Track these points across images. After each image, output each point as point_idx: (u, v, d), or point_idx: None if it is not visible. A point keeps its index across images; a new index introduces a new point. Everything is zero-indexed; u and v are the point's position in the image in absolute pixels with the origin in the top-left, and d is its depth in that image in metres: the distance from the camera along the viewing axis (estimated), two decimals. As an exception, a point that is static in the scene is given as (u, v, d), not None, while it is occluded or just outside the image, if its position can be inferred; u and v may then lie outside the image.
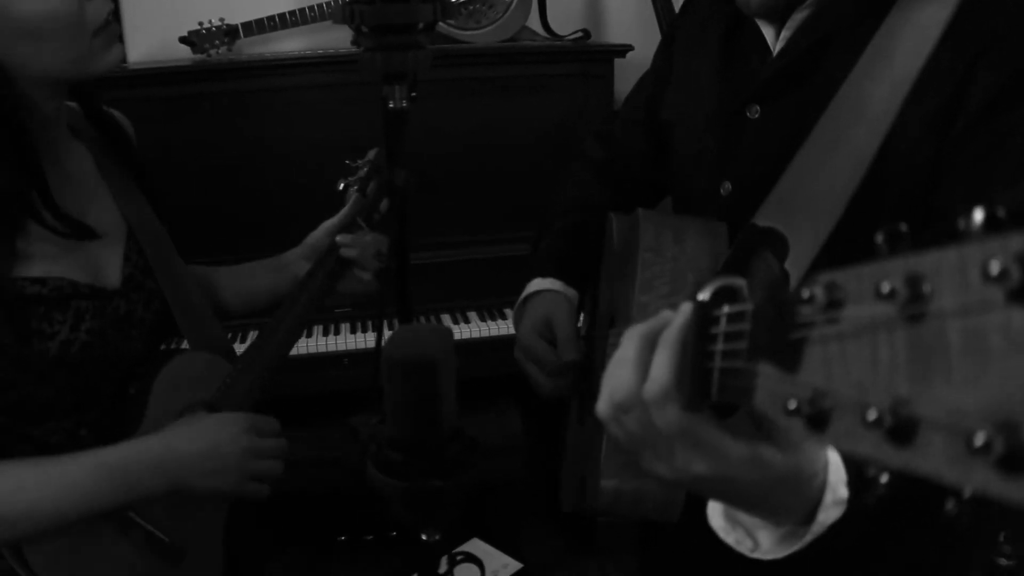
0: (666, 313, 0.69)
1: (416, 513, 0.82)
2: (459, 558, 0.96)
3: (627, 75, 2.83)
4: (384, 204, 1.45)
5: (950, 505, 0.39)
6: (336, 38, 2.79)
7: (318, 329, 2.50)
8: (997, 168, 0.87)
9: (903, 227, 0.40)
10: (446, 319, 2.57)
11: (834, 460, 0.70)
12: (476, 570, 1.03)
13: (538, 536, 2.75)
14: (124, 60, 2.60)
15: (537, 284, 1.39)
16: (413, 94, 0.88)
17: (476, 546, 2.09)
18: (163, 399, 1.21)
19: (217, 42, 2.54)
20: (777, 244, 0.95)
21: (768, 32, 1.10)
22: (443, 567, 0.93)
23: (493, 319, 2.57)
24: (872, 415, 0.39)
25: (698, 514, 0.87)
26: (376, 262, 1.42)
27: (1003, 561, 1.77)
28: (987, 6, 0.90)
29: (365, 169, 1.45)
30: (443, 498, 0.79)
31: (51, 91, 1.12)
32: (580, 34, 2.83)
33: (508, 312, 2.60)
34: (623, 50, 2.69)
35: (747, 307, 0.53)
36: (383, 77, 0.84)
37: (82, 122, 1.26)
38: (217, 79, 2.49)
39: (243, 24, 2.56)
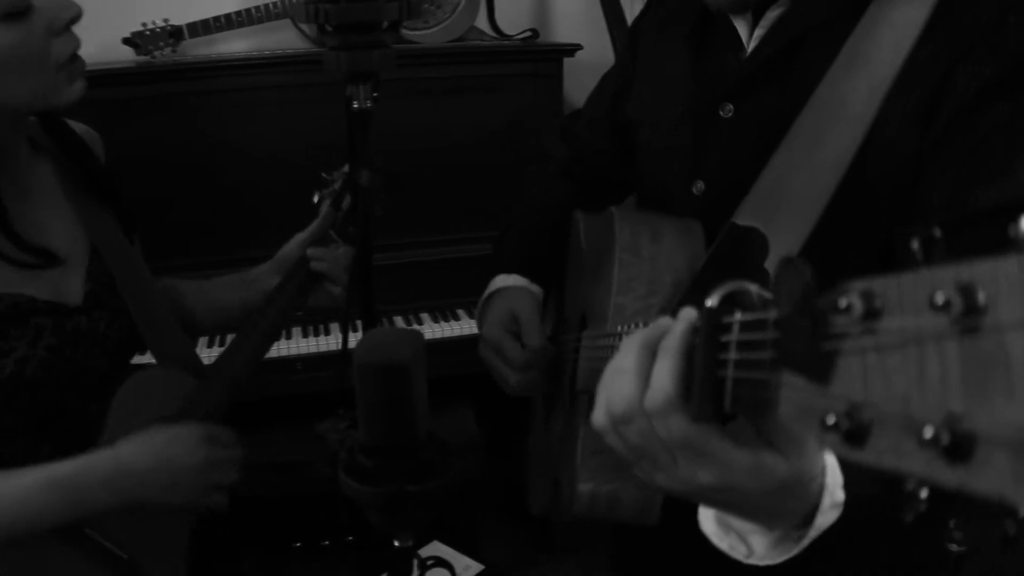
0: (664, 320, 0.68)
1: (390, 519, 0.80)
2: (429, 563, 0.94)
3: (576, 74, 2.84)
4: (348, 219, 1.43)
5: (1011, 528, 0.38)
6: (283, 38, 2.76)
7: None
8: (981, 165, 0.86)
9: (937, 232, 0.39)
10: (398, 320, 2.55)
11: (831, 463, 0.70)
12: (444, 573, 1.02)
13: (497, 536, 2.74)
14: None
15: (501, 281, 1.37)
16: (375, 94, 0.87)
17: (437, 548, 2.06)
18: (122, 416, 1.18)
19: (161, 43, 2.49)
20: (757, 243, 0.94)
21: (742, 28, 1.08)
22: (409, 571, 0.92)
23: (446, 320, 2.56)
24: (928, 432, 0.37)
25: (674, 517, 0.87)
26: (346, 276, 1.40)
27: (953, 547, 1.79)
28: (965, 6, 0.89)
29: (339, 182, 1.44)
30: (418, 503, 0.78)
31: (11, 121, 1.11)
32: (528, 34, 2.83)
33: (461, 313, 2.59)
34: (572, 49, 2.70)
35: (768, 315, 0.51)
36: (347, 77, 0.83)
37: (44, 136, 1.24)
38: (162, 81, 2.44)
39: (188, 25, 2.51)
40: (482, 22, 2.82)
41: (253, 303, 1.43)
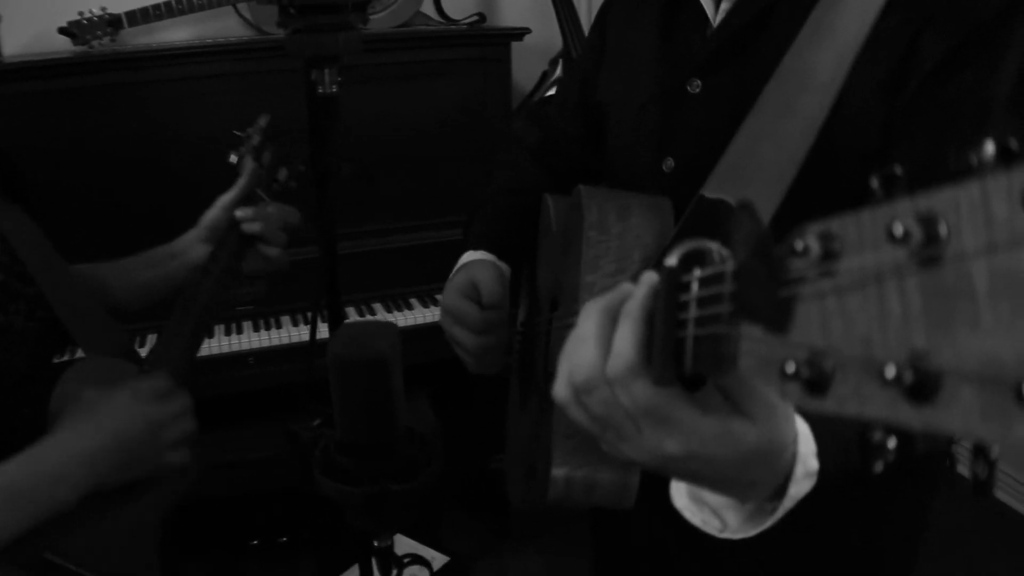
0: (625, 286, 0.66)
1: (372, 520, 0.78)
2: (406, 560, 0.92)
3: (524, 58, 2.82)
4: (283, 173, 1.37)
5: (981, 471, 0.37)
6: (224, 26, 2.70)
7: (219, 329, 2.42)
8: (951, 132, 0.86)
9: (898, 169, 0.37)
10: (350, 311, 2.51)
11: (803, 431, 0.69)
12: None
13: (457, 527, 2.73)
14: (-2, 53, 2.46)
15: (468, 257, 1.34)
16: (339, 79, 0.84)
17: (400, 542, 2.04)
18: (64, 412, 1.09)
19: (99, 32, 2.41)
20: (726, 215, 0.93)
21: (708, 5, 1.08)
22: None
23: (399, 309, 2.53)
24: (891, 372, 0.35)
25: (649, 497, 0.86)
26: (283, 235, 1.32)
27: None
28: None
29: (257, 137, 1.38)
30: (401, 503, 0.75)
31: None
32: (475, 18, 2.80)
33: (414, 302, 2.57)
34: (520, 33, 2.67)
35: (725, 267, 0.50)
36: (310, 61, 0.80)
37: None
38: (101, 71, 2.37)
39: (127, 13, 2.44)
40: (428, 7, 2.79)
41: (179, 276, 1.35)
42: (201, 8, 2.51)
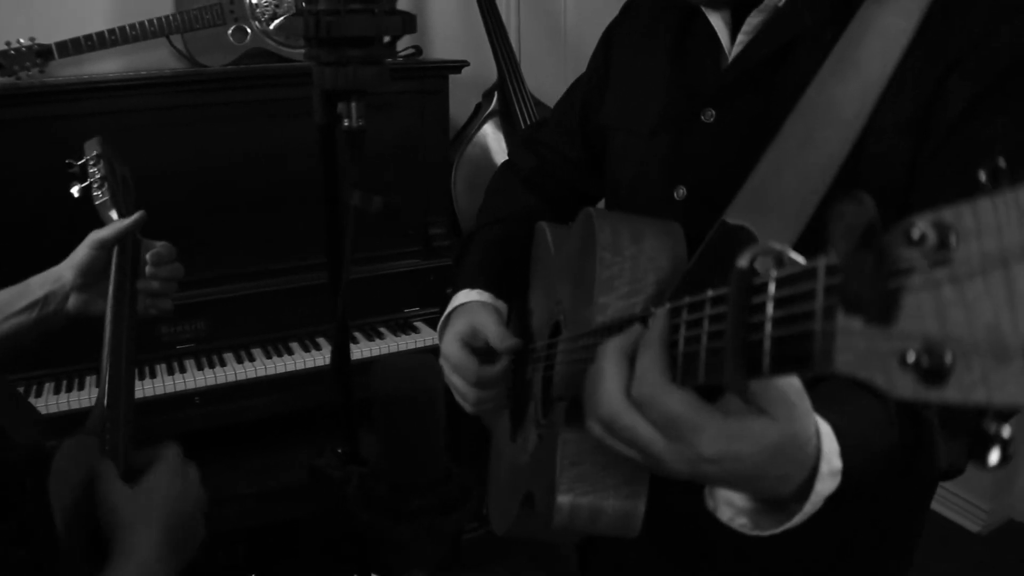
0: (635, 328, 0.72)
1: (415, 554, 0.77)
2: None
3: (457, 91, 2.83)
4: (131, 196, 1.32)
5: (991, 426, 0.40)
6: (156, 58, 2.65)
7: (161, 368, 2.35)
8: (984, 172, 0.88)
9: (1002, 163, 0.39)
10: (295, 347, 2.47)
11: (825, 431, 0.73)
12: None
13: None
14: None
15: (464, 296, 1.32)
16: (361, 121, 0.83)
17: None
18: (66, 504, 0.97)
19: (28, 64, 2.33)
20: (746, 242, 0.94)
21: (722, 34, 1.09)
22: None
23: (318, 349, 2.50)
24: None
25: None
26: (175, 287, 1.29)
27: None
28: (954, 16, 0.91)
29: (98, 165, 1.33)
30: (443, 535, 0.74)
31: None
32: (412, 51, 2.80)
33: (358, 335, 2.54)
34: (459, 66, 2.69)
35: (816, 263, 0.50)
36: (336, 94, 0.79)
37: None
38: (28, 104, 2.29)
39: (57, 44, 2.36)
40: (363, 40, 2.77)
41: (52, 324, 1.26)
42: (135, 39, 2.45)
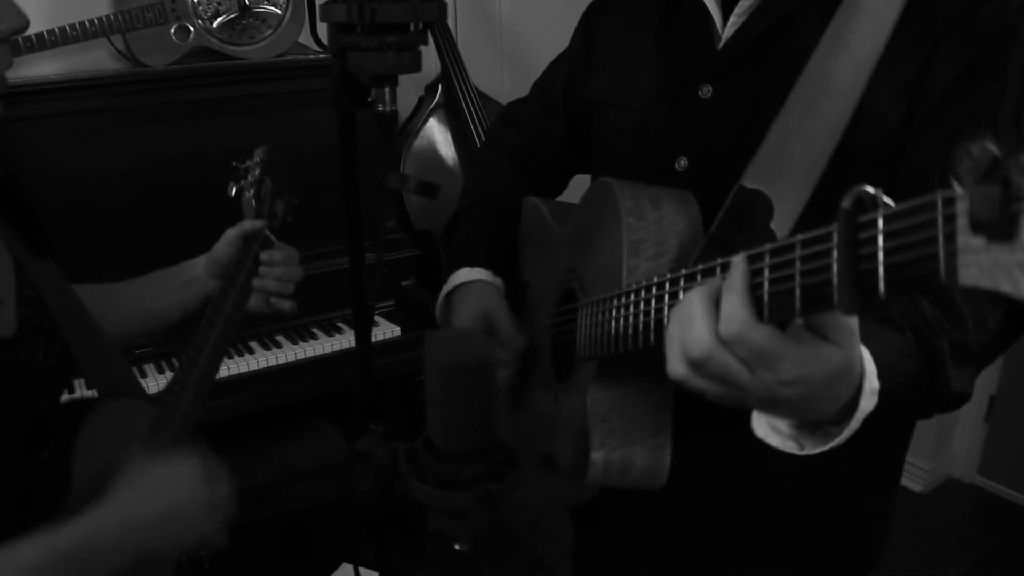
0: (715, 279, 0.78)
1: (463, 522, 0.79)
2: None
3: (402, 86, 2.84)
4: (280, 207, 1.38)
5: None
6: (94, 59, 2.61)
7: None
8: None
9: None
10: (255, 345, 2.46)
11: (866, 355, 0.82)
12: None
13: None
14: None
15: (465, 274, 1.36)
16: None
17: (346, 571, 2.01)
18: (90, 461, 1.05)
19: (-34, 67, 2.28)
20: (763, 205, 1.01)
21: (715, 13, 1.15)
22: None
23: (304, 340, 2.50)
24: None
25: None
26: (292, 287, 1.36)
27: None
28: (935, 0, 1.00)
29: (257, 170, 1.40)
30: (498, 501, 0.77)
31: None
32: (354, 46, 2.80)
33: (317, 331, 2.54)
34: (403, 60, 2.70)
35: (934, 196, 0.57)
36: (371, 79, 0.81)
37: None
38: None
39: (-4, 46, 2.31)
40: (306, 37, 2.77)
41: (191, 305, 1.36)
42: (76, 40, 2.41)
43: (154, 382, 2.26)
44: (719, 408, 0.84)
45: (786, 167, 1.02)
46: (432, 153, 2.88)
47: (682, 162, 1.17)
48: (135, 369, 2.31)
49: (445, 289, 1.38)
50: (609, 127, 1.31)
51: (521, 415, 1.34)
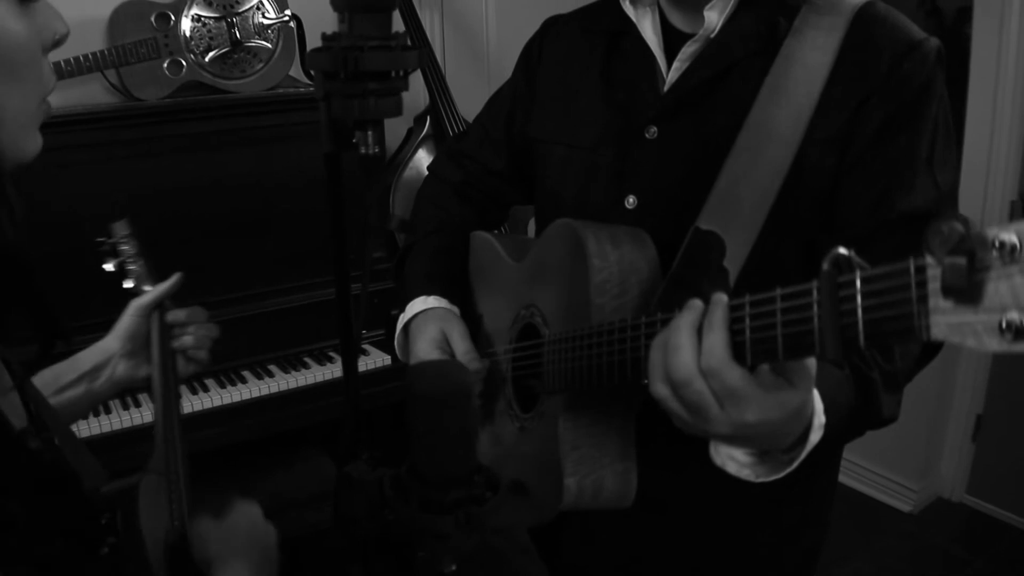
0: (696, 302, 0.87)
1: (446, 545, 0.83)
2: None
3: (393, 119, 2.88)
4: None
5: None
6: (88, 92, 2.65)
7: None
8: (892, 183, 1.10)
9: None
10: (247, 375, 2.49)
11: (816, 395, 0.93)
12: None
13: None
14: None
15: (420, 303, 1.40)
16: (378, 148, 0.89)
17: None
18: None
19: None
20: (716, 245, 1.10)
21: (660, 59, 1.24)
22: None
23: (296, 369, 2.53)
24: None
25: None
26: (209, 342, 1.40)
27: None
28: (864, 56, 1.11)
29: (130, 243, 1.44)
30: (481, 524, 0.81)
31: None
32: (344, 79, 2.85)
33: (309, 360, 2.57)
34: (392, 92, 2.74)
35: (906, 264, 0.67)
36: (356, 123, 0.85)
37: None
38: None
39: (-8, 83, 2.35)
40: (296, 70, 2.82)
41: (102, 395, 1.33)
42: (71, 75, 2.45)
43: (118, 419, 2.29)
44: (673, 430, 0.93)
45: (736, 209, 1.11)
46: (420, 183, 2.92)
47: (631, 200, 1.24)
48: (130, 399, 2.35)
49: (402, 319, 1.42)
50: (556, 164, 1.37)
51: (482, 443, 1.38)
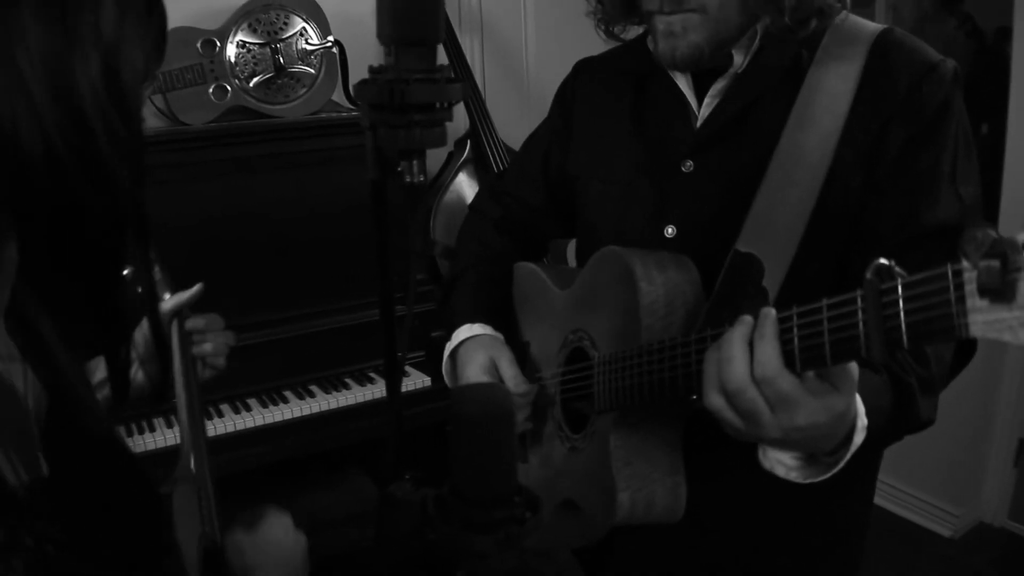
0: (746, 317, 0.94)
1: (486, 565, 0.85)
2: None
3: (431, 142, 2.92)
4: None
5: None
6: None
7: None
8: (919, 198, 1.15)
9: None
10: (289, 395, 2.53)
11: (858, 398, 0.98)
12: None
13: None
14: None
15: (466, 331, 1.46)
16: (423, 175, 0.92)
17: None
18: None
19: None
20: (755, 266, 1.16)
21: (691, 96, 1.30)
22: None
23: (337, 389, 2.56)
24: None
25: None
26: (227, 348, 1.44)
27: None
28: (884, 81, 1.16)
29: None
30: (520, 544, 0.83)
31: None
32: (386, 103, 2.90)
33: (350, 381, 2.60)
34: (434, 118, 2.78)
35: (943, 269, 0.73)
36: (401, 153, 0.88)
37: None
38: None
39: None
40: (339, 95, 2.87)
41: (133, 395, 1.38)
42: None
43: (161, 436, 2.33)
44: (713, 446, 1.02)
45: (772, 231, 1.16)
46: (461, 207, 2.95)
47: (670, 230, 1.29)
48: (145, 423, 2.39)
49: (449, 347, 1.46)
50: (594, 198, 1.43)
51: (532, 465, 1.42)
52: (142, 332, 1.41)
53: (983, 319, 0.70)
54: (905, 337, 0.78)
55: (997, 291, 0.68)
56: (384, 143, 0.88)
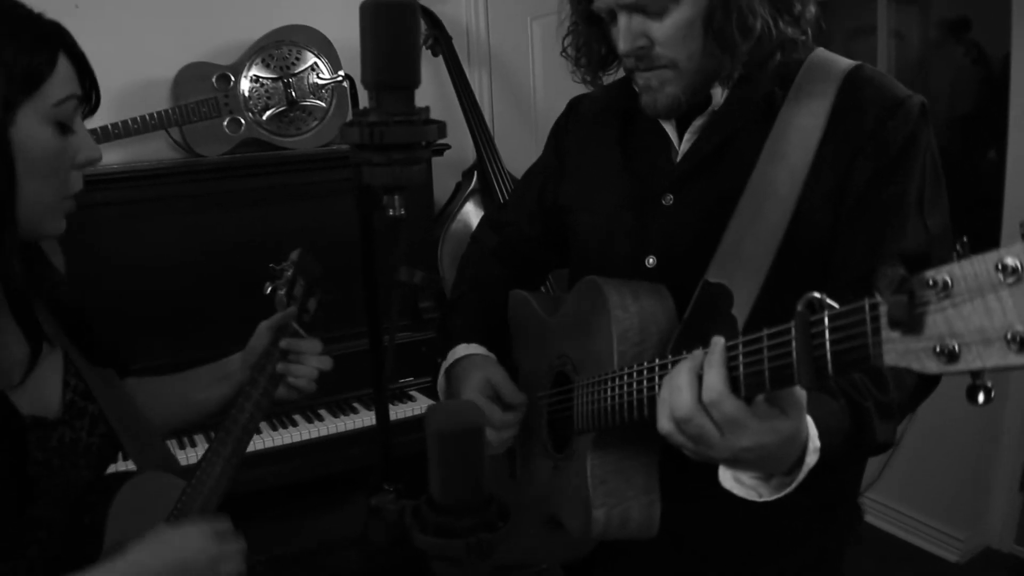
0: (696, 352, 0.99)
1: (461, 569, 0.91)
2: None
3: (438, 171, 3.01)
4: (312, 303, 1.52)
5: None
6: (153, 149, 2.80)
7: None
8: (885, 231, 1.19)
9: (964, 239, 0.68)
10: (298, 418, 2.60)
11: (809, 420, 1.03)
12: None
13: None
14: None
15: (462, 350, 1.52)
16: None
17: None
18: (120, 525, 1.19)
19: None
20: (724, 295, 1.20)
21: (672, 134, 1.36)
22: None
23: (346, 413, 2.63)
24: (1005, 336, 0.65)
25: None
26: (316, 371, 1.48)
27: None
28: (852, 118, 1.21)
29: (290, 271, 1.52)
30: (489, 550, 0.89)
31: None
32: (395, 135, 2.98)
33: (358, 406, 2.67)
34: (441, 149, 2.86)
35: (861, 303, 0.78)
36: (384, 189, 0.96)
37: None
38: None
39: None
40: (350, 127, 2.95)
41: (229, 396, 1.46)
42: (136, 132, 2.61)
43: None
44: (692, 466, 1.04)
45: (741, 262, 1.22)
46: (467, 235, 2.99)
47: (651, 260, 1.36)
48: (187, 439, 2.47)
49: (444, 365, 1.53)
50: (582, 229, 1.50)
51: (521, 482, 1.48)
52: (251, 341, 1.50)
53: (895, 349, 0.75)
54: (831, 365, 0.82)
55: (906, 323, 0.73)
56: (368, 180, 0.95)
